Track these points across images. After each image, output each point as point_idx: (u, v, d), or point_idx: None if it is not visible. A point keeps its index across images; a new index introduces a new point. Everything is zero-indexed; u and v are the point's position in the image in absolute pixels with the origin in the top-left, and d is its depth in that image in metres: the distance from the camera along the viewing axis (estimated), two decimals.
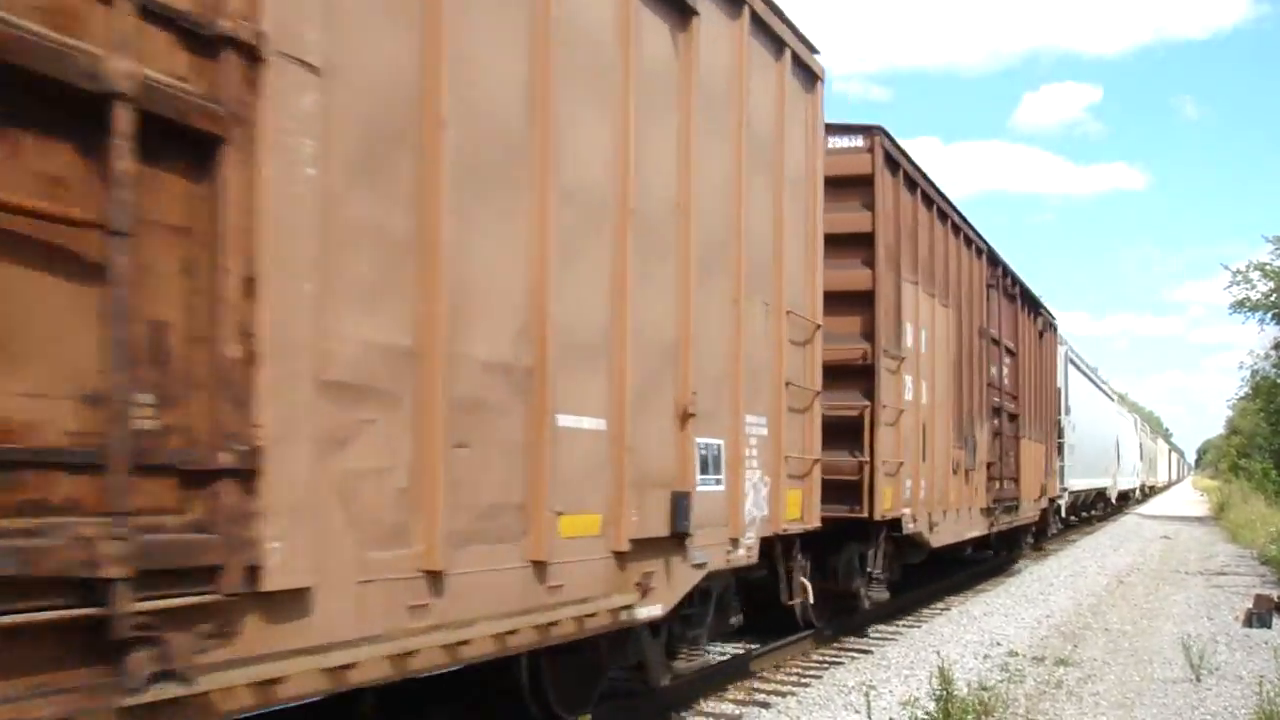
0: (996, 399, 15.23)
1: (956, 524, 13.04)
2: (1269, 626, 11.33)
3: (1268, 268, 35.83)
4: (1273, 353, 40.21)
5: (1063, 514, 25.05)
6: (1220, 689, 8.31)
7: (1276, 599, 12.15)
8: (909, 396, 11.01)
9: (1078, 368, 28.73)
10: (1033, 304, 18.88)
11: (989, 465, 14.65)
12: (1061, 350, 24.37)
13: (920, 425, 11.30)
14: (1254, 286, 36.17)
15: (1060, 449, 23.55)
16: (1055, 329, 22.30)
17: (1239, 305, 36.60)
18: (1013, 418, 16.54)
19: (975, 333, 14.01)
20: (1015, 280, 16.89)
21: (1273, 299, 35.95)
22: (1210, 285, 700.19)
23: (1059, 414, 23.44)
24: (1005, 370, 15.99)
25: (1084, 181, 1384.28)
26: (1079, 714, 7.43)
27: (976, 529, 14.16)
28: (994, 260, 15.20)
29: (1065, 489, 24.34)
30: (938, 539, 12.13)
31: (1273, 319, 36.59)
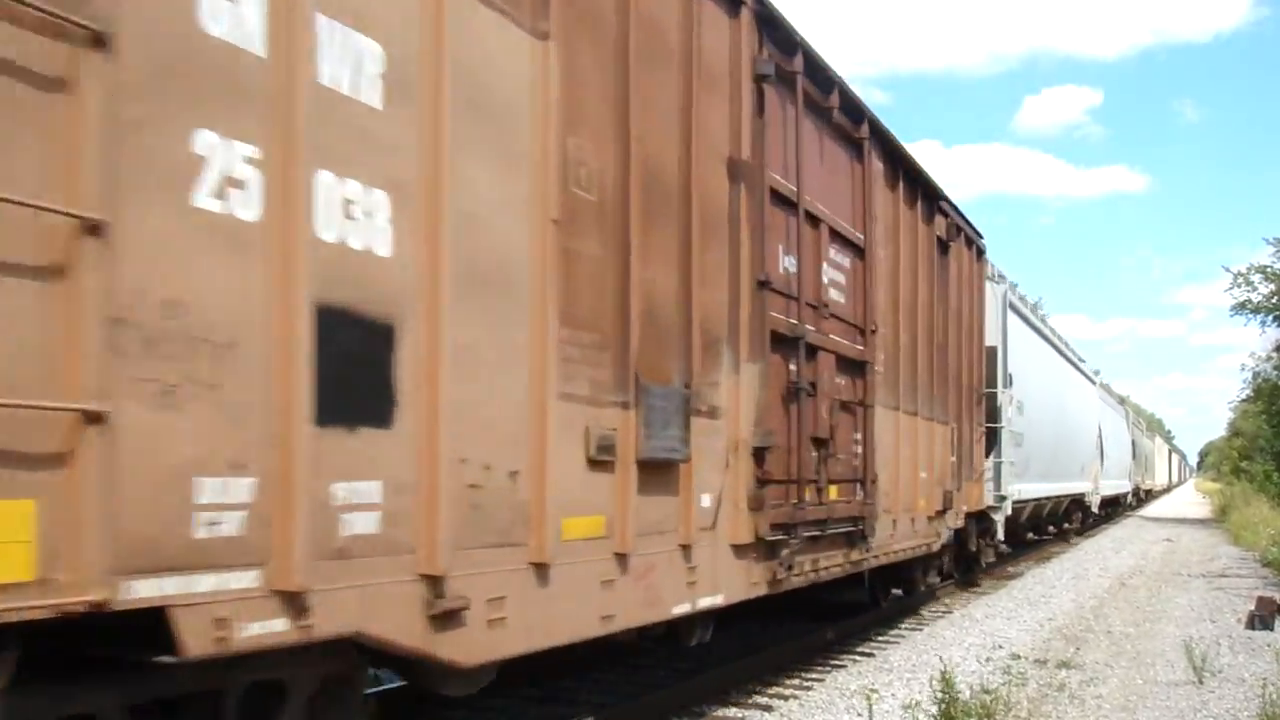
0: (792, 320, 7.34)
1: (619, 592, 5.23)
2: (1271, 629, 11.02)
3: (1269, 270, 33.73)
4: (1274, 355, 38.10)
5: (999, 535, 15.67)
6: (1223, 691, 8.04)
7: (1279, 601, 11.69)
8: (209, 202, 3.16)
9: (1029, 324, 19.61)
10: (917, 183, 10.61)
11: (761, 455, 6.76)
12: (997, 291, 15.78)
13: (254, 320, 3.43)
14: (1255, 289, 34.08)
15: (995, 438, 15.22)
16: (982, 253, 13.70)
17: (1240, 308, 34.42)
18: (854, 367, 8.59)
19: (698, 150, 6.06)
20: (860, 116, 8.84)
21: (1274, 301, 33.91)
22: (1211, 288, 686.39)
23: (994, 385, 15.13)
24: (829, 271, 8.13)
25: (1084, 184, 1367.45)
26: (1081, 717, 7.21)
27: (714, 591, 6.26)
28: (771, 30, 7.13)
29: (1005, 496, 15.54)
30: (493, 645, 4.34)
31: (1274, 321, 34.57)
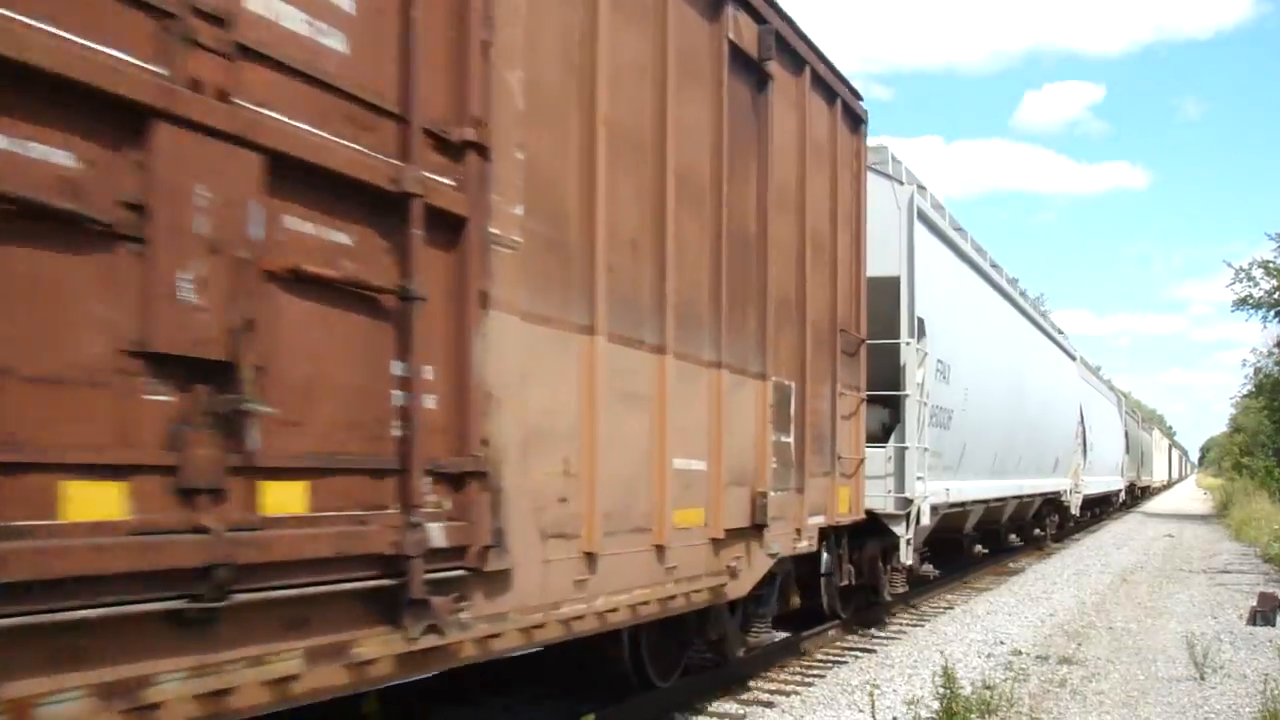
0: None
1: None
2: (1273, 624, 10.95)
3: (1270, 265, 33.59)
4: (1275, 350, 38.67)
5: (905, 558, 10.52)
6: (1225, 687, 8.01)
7: None
8: None
9: (960, 255, 13.41)
10: None
11: None
12: (900, 195, 10.72)
13: None
14: (1257, 284, 34.12)
15: (899, 413, 10.56)
16: (860, 121, 8.94)
17: (1242, 303, 34.48)
18: (376, 205, 3.67)
19: None
20: None
21: (1276, 296, 33.97)
22: (1213, 283, 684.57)
23: (894, 335, 10.52)
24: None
25: (1086, 180, 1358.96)
26: (1083, 713, 7.20)
27: None
28: None
29: (913, 499, 10.45)
30: None
31: (1275, 316, 34.72)
